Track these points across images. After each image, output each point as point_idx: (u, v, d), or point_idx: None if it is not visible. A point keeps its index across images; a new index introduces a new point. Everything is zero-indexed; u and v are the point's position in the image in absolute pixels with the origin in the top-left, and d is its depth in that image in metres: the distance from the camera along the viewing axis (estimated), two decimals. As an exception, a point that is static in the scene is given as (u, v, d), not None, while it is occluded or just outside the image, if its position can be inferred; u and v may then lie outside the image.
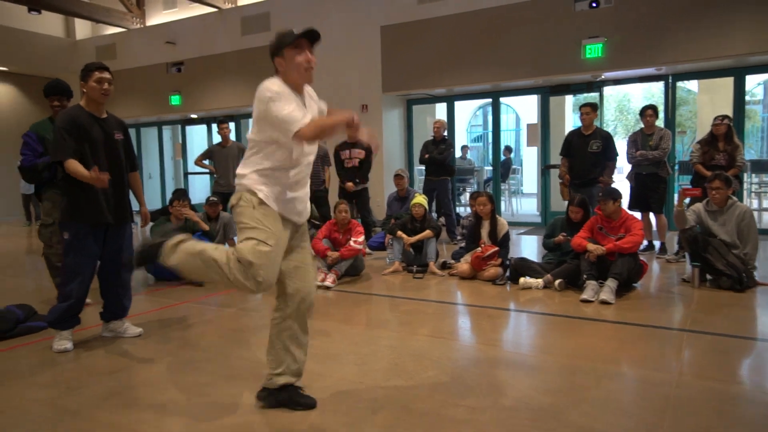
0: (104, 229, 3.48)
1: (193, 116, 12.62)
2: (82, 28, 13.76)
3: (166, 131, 13.90)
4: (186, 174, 13.17)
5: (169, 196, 13.72)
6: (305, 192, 2.47)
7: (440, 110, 11.47)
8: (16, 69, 12.87)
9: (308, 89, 2.47)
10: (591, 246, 4.61)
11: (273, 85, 2.28)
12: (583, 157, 6.07)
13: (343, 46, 9.88)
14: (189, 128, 13.16)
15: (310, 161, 2.47)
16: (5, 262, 7.15)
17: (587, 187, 5.99)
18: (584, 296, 4.33)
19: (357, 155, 7.04)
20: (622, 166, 8.82)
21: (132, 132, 13.53)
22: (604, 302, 4.22)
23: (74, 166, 3.25)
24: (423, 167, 7.84)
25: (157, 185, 13.64)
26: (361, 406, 2.53)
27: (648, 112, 6.13)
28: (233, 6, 11.21)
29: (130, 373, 3.06)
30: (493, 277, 5.12)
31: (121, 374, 3.04)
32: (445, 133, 7.71)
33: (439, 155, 7.45)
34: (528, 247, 7.34)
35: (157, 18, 12.60)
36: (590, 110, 6.01)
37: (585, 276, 4.51)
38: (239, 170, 2.38)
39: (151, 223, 6.49)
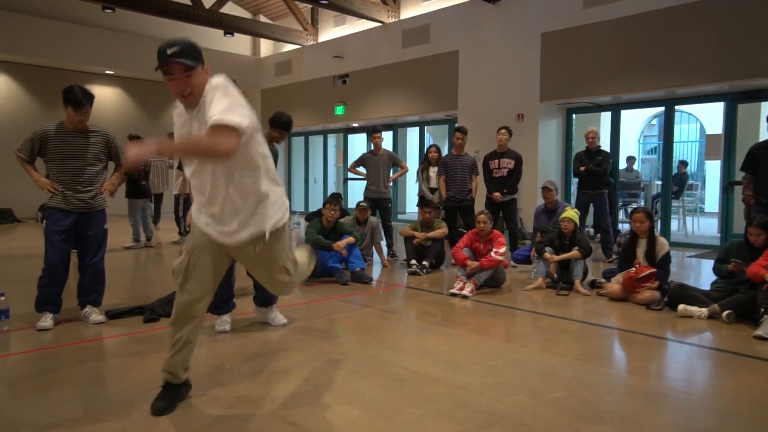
0: None
1: (355, 125, 13.40)
2: (265, 47, 15.44)
3: (331, 139, 14.96)
4: (346, 179, 14.02)
5: (329, 199, 14.66)
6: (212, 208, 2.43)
7: (605, 119, 10.73)
8: (213, 84, 14.86)
9: (205, 98, 2.25)
10: (772, 275, 3.96)
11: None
12: (772, 174, 5.23)
13: (501, 54, 9.75)
14: (351, 136, 14.00)
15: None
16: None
17: (776, 209, 5.15)
18: (759, 332, 3.73)
19: (506, 165, 6.90)
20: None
21: (300, 140, 14.85)
22: (784, 342, 3.61)
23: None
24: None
25: (320, 189, 14.73)
26: (478, 417, 2.48)
27: None
28: (396, 20, 11.71)
29: (273, 358, 3.36)
30: (648, 301, 4.65)
31: (265, 357, 3.36)
32: (600, 144, 7.20)
33: (596, 167, 6.98)
34: (702, 272, 6.53)
35: (328, 34, 13.66)
36: (783, 119, 5.16)
37: (762, 310, 3.89)
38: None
39: (306, 223, 7.08)
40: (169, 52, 2.19)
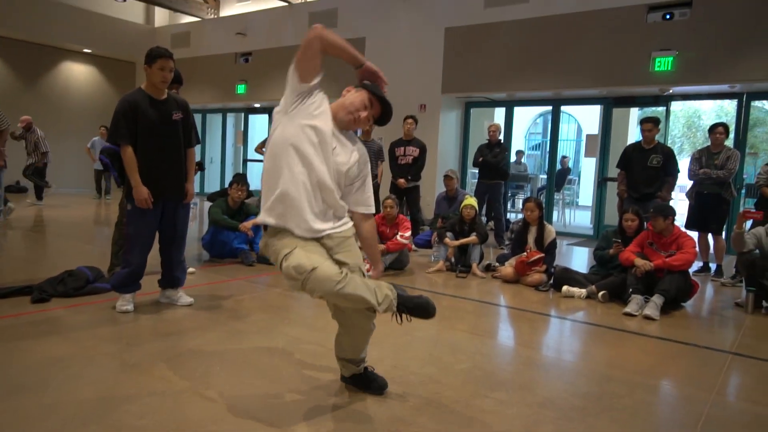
0: (162, 204, 3.72)
1: (256, 105, 13.07)
2: (161, 16, 14.51)
3: (230, 118, 14.45)
4: (245, 160, 13.65)
5: (228, 180, 14.27)
6: None
7: (499, 115, 11.40)
8: (99, 51, 13.72)
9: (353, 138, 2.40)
10: (639, 261, 4.53)
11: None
12: (641, 172, 5.95)
13: (407, 45, 10.00)
14: (251, 117, 13.63)
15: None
16: (77, 230, 7.68)
17: (644, 202, 5.86)
18: (627, 309, 4.27)
19: (411, 153, 7.15)
20: (685, 185, 8.56)
21: (198, 117, 14.15)
22: (647, 317, 4.15)
23: (129, 154, 3.55)
24: (476, 170, 7.88)
25: (217, 169, 14.20)
26: (393, 388, 2.63)
27: (718, 129, 5.92)
28: (303, 1, 11.54)
29: (183, 337, 3.28)
30: (537, 283, 5.11)
31: (175, 336, 3.28)
32: (501, 137, 7.71)
33: (493, 159, 7.46)
34: (578, 258, 7.24)
35: (230, 9, 13.13)
36: (652, 126, 5.87)
37: (631, 290, 4.45)
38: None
39: (208, 203, 6.85)
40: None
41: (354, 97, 2.33)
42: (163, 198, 3.70)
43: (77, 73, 13.85)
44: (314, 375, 2.78)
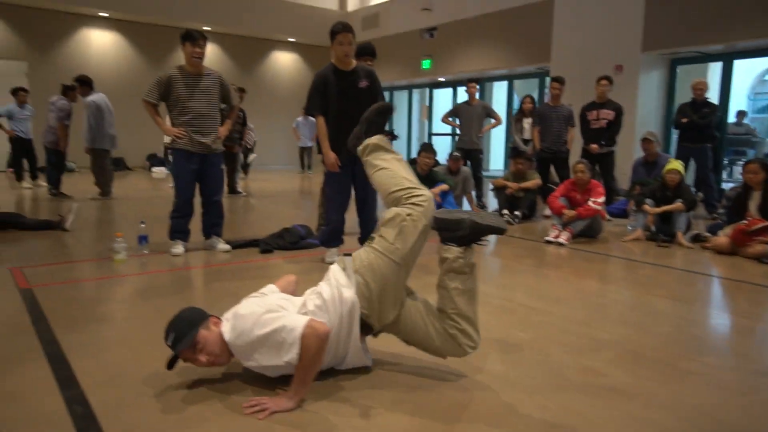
0: (351, 167, 4.02)
1: (441, 79, 13.30)
2: (353, 1, 15.50)
3: (415, 94, 14.94)
4: (431, 134, 14.04)
5: (414, 154, 14.82)
6: None
7: (714, 71, 9.98)
8: (301, 39, 15.21)
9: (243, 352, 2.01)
10: None
11: None
12: None
13: (602, 1, 9.25)
14: (435, 91, 13.93)
15: None
16: (288, 198, 8.75)
17: None
18: None
19: (605, 116, 6.68)
20: None
21: (386, 95, 14.91)
22: None
23: (321, 124, 3.93)
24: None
25: (404, 144, 14.85)
26: (584, 342, 2.58)
27: None
28: (488, -32, 11.35)
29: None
30: (760, 255, 4.46)
31: (373, 285, 3.59)
32: (707, 96, 6.80)
33: (700, 119, 6.61)
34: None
35: (416, -13, 13.47)
36: None
37: None
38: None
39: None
40: (168, 344, 1.98)
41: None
42: (352, 161, 4.01)
43: (283, 60, 15.55)
44: (503, 324, 2.84)
